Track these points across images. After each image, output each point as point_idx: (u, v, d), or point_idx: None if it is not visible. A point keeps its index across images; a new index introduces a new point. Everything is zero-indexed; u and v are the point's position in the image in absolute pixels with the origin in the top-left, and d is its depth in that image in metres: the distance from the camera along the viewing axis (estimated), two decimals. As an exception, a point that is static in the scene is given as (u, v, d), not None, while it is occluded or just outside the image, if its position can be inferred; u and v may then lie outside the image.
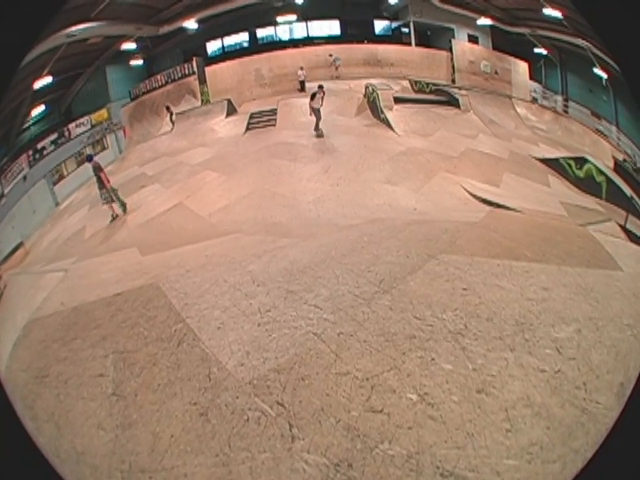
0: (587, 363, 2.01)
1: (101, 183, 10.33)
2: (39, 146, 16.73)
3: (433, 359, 1.89)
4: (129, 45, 18.10)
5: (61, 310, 4.44)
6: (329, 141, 11.60)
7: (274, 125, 14.18)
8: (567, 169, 11.72)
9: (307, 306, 2.50)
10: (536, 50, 18.87)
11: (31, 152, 16.36)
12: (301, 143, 11.59)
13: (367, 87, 14.77)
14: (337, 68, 17.74)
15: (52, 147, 17.00)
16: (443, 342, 2.00)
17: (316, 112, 12.16)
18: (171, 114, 16.83)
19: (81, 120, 18.00)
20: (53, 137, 17.20)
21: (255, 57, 18.04)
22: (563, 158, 12.20)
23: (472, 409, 1.64)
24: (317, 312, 2.41)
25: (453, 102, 15.09)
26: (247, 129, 14.47)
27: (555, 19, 15.75)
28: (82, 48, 16.18)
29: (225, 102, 16.31)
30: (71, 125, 17.74)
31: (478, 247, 3.90)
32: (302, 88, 17.21)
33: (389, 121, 12.70)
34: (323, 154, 10.42)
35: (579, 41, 15.91)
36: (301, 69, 17.17)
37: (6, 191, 14.77)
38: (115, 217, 10.43)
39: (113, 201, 10.45)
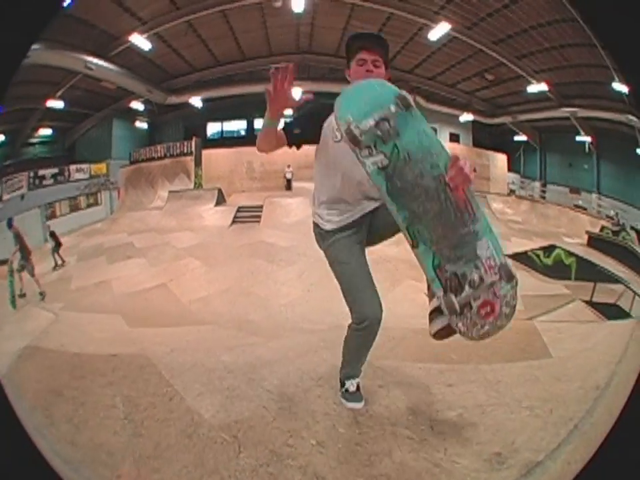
0: (456, 436, 2.84)
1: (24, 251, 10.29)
2: (40, 173, 18.19)
3: (333, 425, 3.07)
4: (138, 105, 20.19)
5: (63, 350, 5.33)
6: (307, 245, 12.41)
7: (258, 222, 15.41)
8: (535, 260, 12.59)
9: (261, 390, 3.61)
10: (516, 138, 21.06)
11: (32, 174, 17.77)
12: (280, 244, 12.78)
13: None
14: None
15: (51, 181, 18.50)
16: (344, 418, 3.14)
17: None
18: (57, 245, 14.60)
19: (82, 166, 19.63)
20: (54, 170, 18.67)
21: (249, 148, 18.96)
22: (532, 250, 13.03)
23: (355, 434, 2.98)
24: (268, 394, 3.53)
25: None
26: (233, 221, 15.83)
27: (540, 93, 17.66)
28: (95, 88, 18.23)
29: (216, 190, 17.73)
30: (72, 167, 19.36)
31: (411, 352, 4.92)
32: (288, 186, 18.49)
33: None
34: (299, 258, 11.51)
35: (563, 111, 17.89)
36: (288, 166, 18.51)
37: (4, 198, 16.20)
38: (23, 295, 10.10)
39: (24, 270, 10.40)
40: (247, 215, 16.10)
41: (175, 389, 3.77)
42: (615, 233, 15.83)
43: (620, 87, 13.87)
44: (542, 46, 15.43)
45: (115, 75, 17.70)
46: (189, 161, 19.55)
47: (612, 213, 17.04)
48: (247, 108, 20.53)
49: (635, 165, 16.40)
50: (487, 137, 21.24)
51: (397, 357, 4.76)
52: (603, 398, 3.04)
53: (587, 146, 18.45)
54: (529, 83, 17.53)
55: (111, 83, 18.34)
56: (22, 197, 16.94)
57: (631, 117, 15.18)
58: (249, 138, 20.53)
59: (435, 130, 20.45)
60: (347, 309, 2.94)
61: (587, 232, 15.70)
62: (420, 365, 4.24)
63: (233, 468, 2.64)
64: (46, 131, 19.16)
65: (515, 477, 2.41)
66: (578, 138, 18.41)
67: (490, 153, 21.04)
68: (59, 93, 17.27)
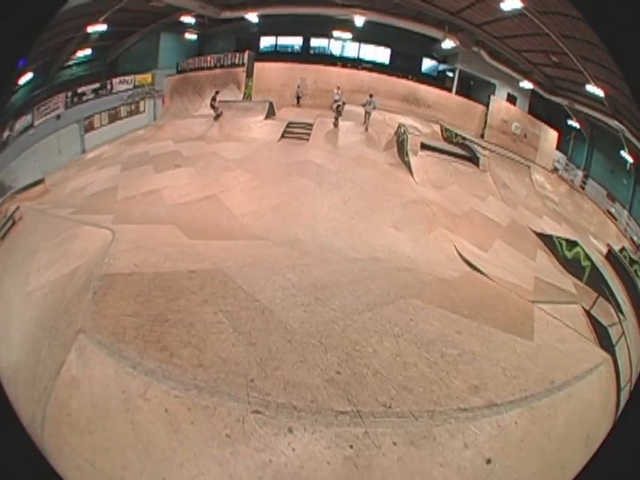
0: (455, 366, 4.72)
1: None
2: (80, 90, 18.36)
3: (382, 341, 4.77)
4: (188, 19, 20.13)
5: (140, 272, 5.78)
6: (353, 171, 13.64)
7: (307, 140, 16.15)
8: (558, 248, 13.47)
9: (328, 308, 5.30)
10: (569, 122, 21.17)
11: (70, 93, 17.95)
12: (328, 167, 13.68)
13: (399, 127, 16.89)
14: (368, 114, 17.97)
15: (92, 96, 18.74)
16: (388, 337, 4.84)
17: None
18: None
19: (126, 77, 19.88)
20: (95, 86, 18.87)
21: (304, 65, 20.22)
22: (557, 237, 13.89)
23: (395, 348, 4.67)
24: (333, 311, 5.23)
25: (473, 159, 17.06)
26: (282, 136, 16.39)
27: (596, 96, 17.81)
28: (143, 7, 18.23)
29: (267, 103, 18.22)
30: (115, 80, 19.58)
31: (435, 298, 6.59)
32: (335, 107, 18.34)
33: (411, 166, 14.89)
34: (345, 183, 12.58)
35: (614, 123, 17.99)
36: (338, 88, 18.69)
37: (36, 123, 16.38)
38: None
39: None
40: (296, 132, 16.75)
41: (262, 304, 5.33)
42: (632, 262, 15.42)
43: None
44: (602, 62, 15.56)
45: (167, -5, 17.91)
46: (240, 72, 20.17)
47: (636, 239, 17.18)
48: (304, 26, 20.91)
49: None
50: (543, 109, 21.54)
51: (424, 299, 6.36)
52: (556, 394, 4.69)
53: (628, 165, 18.67)
54: (589, 82, 17.68)
55: (159, 2, 18.60)
56: (58, 116, 17.32)
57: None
58: (303, 54, 21.53)
59: (494, 86, 21.28)
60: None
61: (608, 245, 15.88)
62: (440, 310, 6.03)
63: (325, 363, 4.39)
64: (85, 52, 18.97)
65: (479, 404, 4.26)
66: (622, 153, 18.64)
67: (543, 125, 21.54)
68: (102, 18, 17.24)
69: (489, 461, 3.95)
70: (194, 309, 5.00)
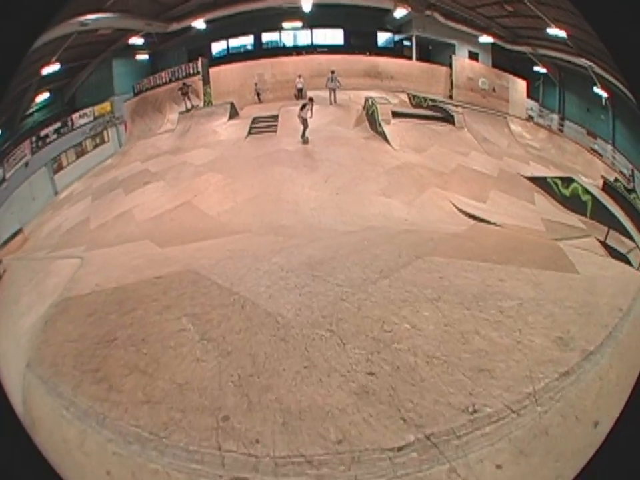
0: (523, 319, 3.26)
1: None
2: (42, 133, 17.61)
3: (417, 311, 3.20)
4: (137, 40, 19.14)
5: (99, 290, 4.76)
6: (328, 150, 12.66)
7: (275, 132, 15.15)
8: (554, 188, 12.74)
9: (331, 284, 3.78)
10: (535, 68, 20.07)
11: (34, 139, 17.25)
12: (301, 151, 12.78)
13: (366, 100, 15.91)
14: (333, 91, 17.10)
15: (55, 136, 17.94)
16: (423, 303, 3.31)
17: (304, 121, 13.46)
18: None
19: (85, 111, 18.97)
20: (56, 125, 18.08)
21: (259, 61, 19.18)
22: (550, 177, 13.24)
23: (440, 317, 3.09)
24: (339, 287, 3.71)
25: (448, 118, 16.13)
26: (249, 133, 15.40)
27: (559, 38, 16.78)
28: (91, 38, 17.20)
29: (228, 105, 17.27)
30: (75, 115, 18.71)
31: (455, 252, 5.20)
32: (299, 96, 18.01)
33: (386, 135, 13.84)
34: (322, 163, 11.57)
35: (582, 61, 16.96)
36: (299, 76, 18.08)
37: (7, 176, 15.58)
38: None
39: None
40: (263, 126, 15.79)
41: (242, 296, 3.78)
42: (628, 191, 15.20)
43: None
44: (559, 3, 14.71)
45: (111, 21, 16.99)
46: (197, 80, 18.99)
47: (626, 171, 16.55)
48: (253, 23, 19.84)
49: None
50: (507, 61, 20.46)
51: (443, 254, 4.99)
52: (629, 320, 3.42)
53: (603, 100, 17.69)
54: (549, 25, 16.65)
55: (107, 29, 17.63)
56: (26, 164, 16.51)
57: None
58: (257, 52, 20.19)
59: (454, 46, 20.05)
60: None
61: (603, 177, 15.50)
62: (468, 262, 4.56)
63: (346, 362, 2.72)
64: (43, 96, 18.28)
65: (577, 360, 2.85)
66: (595, 89, 17.57)
67: (510, 76, 20.31)
68: (54, 58, 16.35)
69: (596, 424, 2.61)
70: (150, 319, 3.68)
